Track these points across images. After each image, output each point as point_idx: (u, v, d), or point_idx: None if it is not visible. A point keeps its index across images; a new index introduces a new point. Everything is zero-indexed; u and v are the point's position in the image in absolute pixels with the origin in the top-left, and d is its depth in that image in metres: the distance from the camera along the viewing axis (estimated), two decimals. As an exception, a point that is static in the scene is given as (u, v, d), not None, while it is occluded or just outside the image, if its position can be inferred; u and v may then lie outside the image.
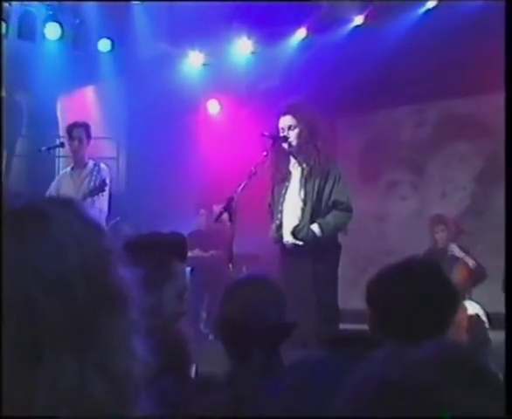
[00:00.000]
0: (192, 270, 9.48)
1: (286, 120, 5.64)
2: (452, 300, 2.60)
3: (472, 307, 7.07)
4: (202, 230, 9.93)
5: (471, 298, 7.45)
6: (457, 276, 7.24)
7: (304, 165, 5.62)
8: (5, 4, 9.50)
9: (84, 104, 11.63)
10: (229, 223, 5.31)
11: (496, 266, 7.52)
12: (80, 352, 0.93)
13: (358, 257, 10.42)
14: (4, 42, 9.53)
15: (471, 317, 6.99)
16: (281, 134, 5.61)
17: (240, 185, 5.45)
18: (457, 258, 7.73)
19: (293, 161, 5.72)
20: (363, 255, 10.63)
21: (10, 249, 0.93)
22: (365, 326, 8.48)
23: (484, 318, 7.15)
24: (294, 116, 5.62)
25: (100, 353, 0.94)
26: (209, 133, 11.75)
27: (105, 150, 11.23)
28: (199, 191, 11.15)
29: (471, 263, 7.74)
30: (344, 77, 10.02)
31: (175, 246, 2.57)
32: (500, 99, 9.62)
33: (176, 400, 2.18)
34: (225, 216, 5.27)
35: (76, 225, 1.00)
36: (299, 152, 5.63)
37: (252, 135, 10.52)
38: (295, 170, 5.69)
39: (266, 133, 5.74)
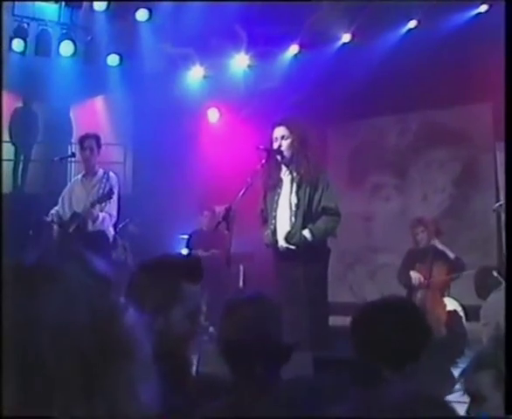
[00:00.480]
0: None
1: (279, 131, 5.79)
2: (424, 335, 2.68)
3: (450, 303, 7.71)
4: (203, 229, 10.10)
5: (449, 295, 7.84)
6: (439, 272, 7.74)
7: (295, 173, 5.73)
8: (23, 24, 10.23)
9: (94, 113, 12.19)
10: (226, 232, 5.35)
11: (472, 262, 8.18)
12: (88, 400, 0.93)
13: (346, 254, 10.97)
14: (23, 58, 10.22)
15: (449, 312, 7.58)
16: (274, 144, 5.78)
17: (238, 192, 5.49)
18: (439, 254, 7.83)
19: (284, 169, 5.83)
20: (351, 252, 11.22)
21: (21, 305, 0.94)
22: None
23: (462, 313, 7.65)
24: (288, 127, 5.77)
25: (107, 401, 0.95)
26: (209, 138, 12.18)
27: (113, 155, 11.79)
28: (200, 193, 11.47)
29: (451, 255, 7.87)
30: (334, 89, 10.55)
31: (186, 268, 2.50)
32: (475, 109, 10.47)
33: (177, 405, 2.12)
34: (223, 225, 5.31)
35: (85, 281, 1.01)
36: (290, 161, 5.75)
37: (248, 140, 11.13)
38: (286, 178, 5.80)
39: (261, 147, 5.89)
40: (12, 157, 11.79)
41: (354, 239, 10.90)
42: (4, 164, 11.51)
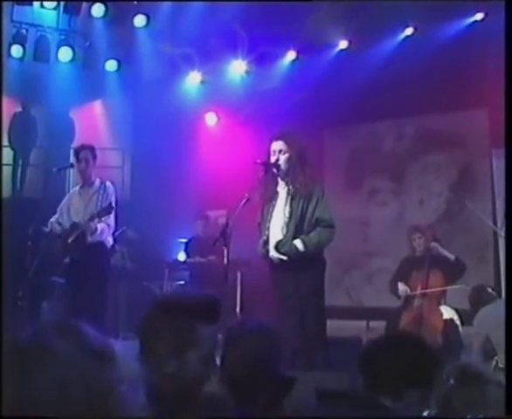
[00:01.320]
0: (191, 275, 10.09)
1: (277, 145, 5.79)
2: (432, 368, 2.61)
3: (447, 312, 7.72)
4: (201, 236, 10.16)
5: (446, 304, 7.84)
6: (436, 280, 7.73)
7: (290, 186, 5.75)
8: (22, 30, 10.29)
9: (92, 118, 12.24)
10: (224, 248, 5.40)
11: (468, 265, 8.23)
12: None
13: (343, 259, 11.00)
14: (22, 63, 10.28)
15: (446, 321, 7.61)
16: (272, 158, 5.79)
17: (236, 197, 5.59)
18: (436, 261, 7.82)
19: (280, 182, 5.85)
20: (348, 256, 11.26)
21: (16, 384, 0.95)
22: (348, 322, 9.39)
23: (458, 322, 7.66)
24: (286, 142, 5.78)
25: None
26: (207, 143, 12.22)
27: (111, 160, 11.90)
28: (199, 197, 11.54)
29: (452, 257, 7.91)
30: (331, 94, 10.56)
31: (203, 309, 2.36)
32: (472, 115, 10.53)
33: None
34: (221, 241, 5.37)
35: (80, 358, 1.01)
36: (287, 175, 5.77)
37: (246, 144, 11.22)
38: (282, 190, 5.82)
39: (259, 161, 5.89)
40: (11, 162, 11.83)
41: (351, 243, 10.93)
42: (4, 168, 11.62)
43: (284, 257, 5.64)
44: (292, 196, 5.74)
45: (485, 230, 10.37)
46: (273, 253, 5.71)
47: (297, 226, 5.66)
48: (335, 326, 7.38)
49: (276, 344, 2.74)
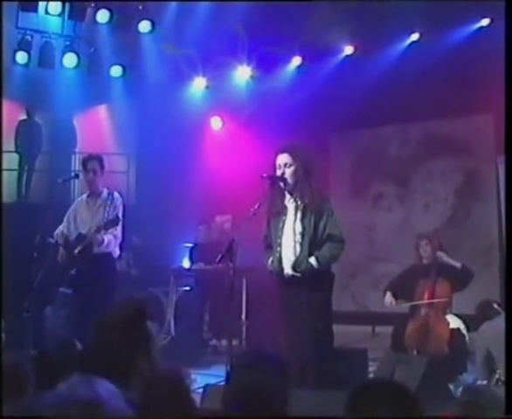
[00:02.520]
0: (196, 282, 10.05)
1: (283, 158, 5.73)
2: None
3: (453, 321, 7.65)
4: (205, 242, 10.07)
5: (452, 312, 7.78)
6: (443, 289, 7.65)
7: (299, 201, 5.69)
8: (27, 36, 10.29)
9: (98, 123, 12.26)
10: (230, 263, 5.37)
11: (473, 271, 8.20)
12: None
13: (348, 264, 10.96)
14: (27, 70, 10.28)
15: (452, 331, 7.54)
16: (278, 171, 5.73)
17: (241, 201, 5.72)
18: (443, 270, 7.76)
19: (288, 196, 5.78)
20: (353, 261, 11.24)
21: None
22: (354, 327, 9.39)
23: (465, 331, 7.57)
24: (291, 155, 5.72)
25: None
26: (212, 145, 12.28)
27: (116, 165, 11.90)
28: (204, 201, 11.53)
29: (458, 265, 7.84)
30: (336, 99, 10.62)
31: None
32: (477, 120, 10.52)
33: None
34: (227, 257, 5.33)
35: None
36: (294, 189, 5.72)
37: (250, 148, 11.23)
38: (291, 205, 5.75)
39: (265, 175, 5.83)
40: (17, 167, 11.87)
41: (356, 249, 10.91)
42: (9, 174, 11.67)
43: (299, 274, 5.63)
44: (302, 213, 5.69)
45: (490, 236, 10.36)
46: (288, 270, 5.68)
47: (310, 244, 5.63)
48: (340, 332, 7.37)
49: (280, 375, 2.68)
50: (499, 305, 6.70)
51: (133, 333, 2.74)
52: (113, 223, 6.78)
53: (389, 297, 8.04)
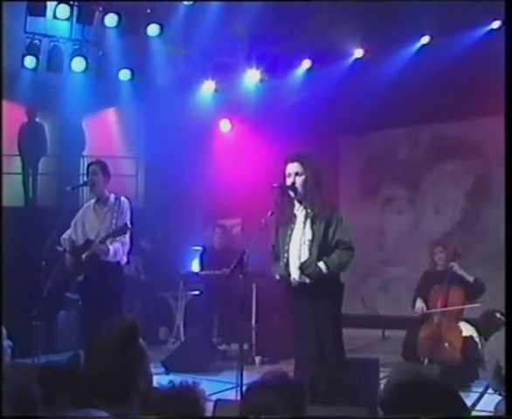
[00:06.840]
0: (206, 286, 9.97)
1: (293, 167, 5.71)
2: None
3: (466, 329, 7.62)
4: (215, 246, 10.01)
5: (464, 319, 7.74)
6: (456, 296, 7.64)
7: (309, 210, 5.65)
8: (35, 41, 10.27)
9: (106, 128, 12.26)
10: (241, 276, 5.30)
11: (484, 276, 8.16)
12: None
13: (359, 267, 10.90)
14: (35, 74, 10.27)
15: (465, 338, 7.51)
16: (288, 180, 5.67)
17: (249, 205, 5.63)
18: (456, 278, 7.76)
19: (297, 205, 5.75)
20: (364, 264, 11.15)
21: None
22: (363, 331, 9.36)
23: (477, 338, 7.55)
24: (301, 163, 5.68)
25: None
26: (221, 150, 12.25)
27: (125, 168, 11.91)
28: (213, 205, 11.58)
29: (471, 279, 7.80)
30: (347, 102, 10.61)
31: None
32: (488, 123, 10.45)
33: None
34: (238, 269, 5.28)
35: None
36: (304, 198, 5.68)
37: (259, 149, 11.20)
38: (300, 213, 5.72)
39: (275, 185, 5.76)
40: (24, 171, 11.87)
41: (366, 252, 10.85)
42: (17, 177, 11.67)
43: (307, 280, 5.55)
44: (312, 220, 5.64)
45: (501, 240, 10.26)
46: (295, 275, 5.61)
47: (320, 248, 5.56)
48: (350, 335, 7.32)
49: (298, 398, 2.57)
50: (502, 314, 6.64)
51: (127, 354, 2.72)
52: (122, 231, 6.72)
53: (420, 303, 7.95)
